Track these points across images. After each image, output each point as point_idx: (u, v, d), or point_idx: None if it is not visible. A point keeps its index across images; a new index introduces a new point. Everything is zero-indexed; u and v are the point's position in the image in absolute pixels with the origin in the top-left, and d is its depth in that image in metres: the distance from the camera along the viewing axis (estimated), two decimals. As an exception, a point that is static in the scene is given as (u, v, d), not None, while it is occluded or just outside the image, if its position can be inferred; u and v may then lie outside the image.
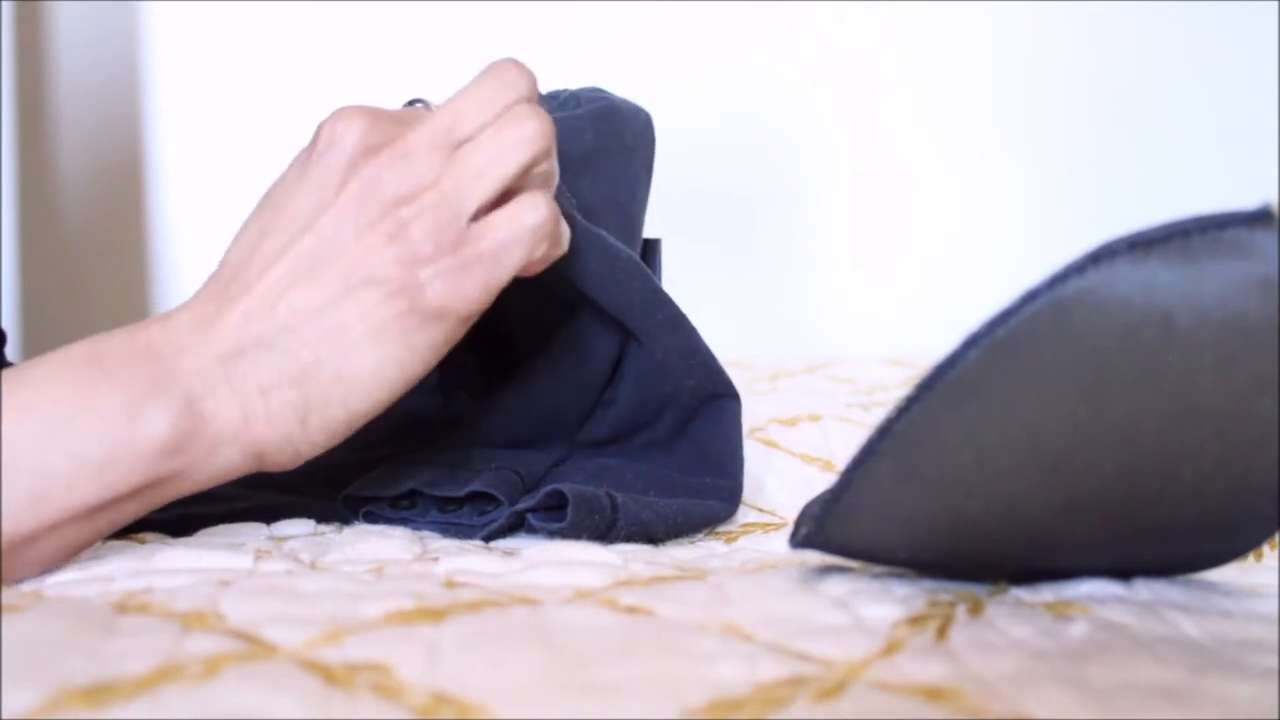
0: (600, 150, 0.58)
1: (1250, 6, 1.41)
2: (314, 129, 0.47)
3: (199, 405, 0.44)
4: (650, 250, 0.66)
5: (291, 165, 0.47)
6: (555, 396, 0.60)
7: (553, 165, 0.48)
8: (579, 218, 0.53)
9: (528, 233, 0.46)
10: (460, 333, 0.46)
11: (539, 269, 0.48)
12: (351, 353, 0.45)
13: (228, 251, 0.47)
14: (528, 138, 0.46)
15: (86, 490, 0.42)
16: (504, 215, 0.46)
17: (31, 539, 0.41)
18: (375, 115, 0.46)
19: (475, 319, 0.47)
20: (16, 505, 0.41)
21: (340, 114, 0.46)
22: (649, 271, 0.57)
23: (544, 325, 0.59)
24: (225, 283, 0.46)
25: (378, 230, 0.45)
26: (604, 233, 0.55)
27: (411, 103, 0.52)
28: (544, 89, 0.64)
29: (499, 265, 0.46)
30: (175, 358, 0.44)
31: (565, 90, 0.63)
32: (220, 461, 0.45)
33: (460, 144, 0.46)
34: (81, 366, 0.43)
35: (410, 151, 0.45)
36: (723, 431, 0.58)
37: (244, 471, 0.46)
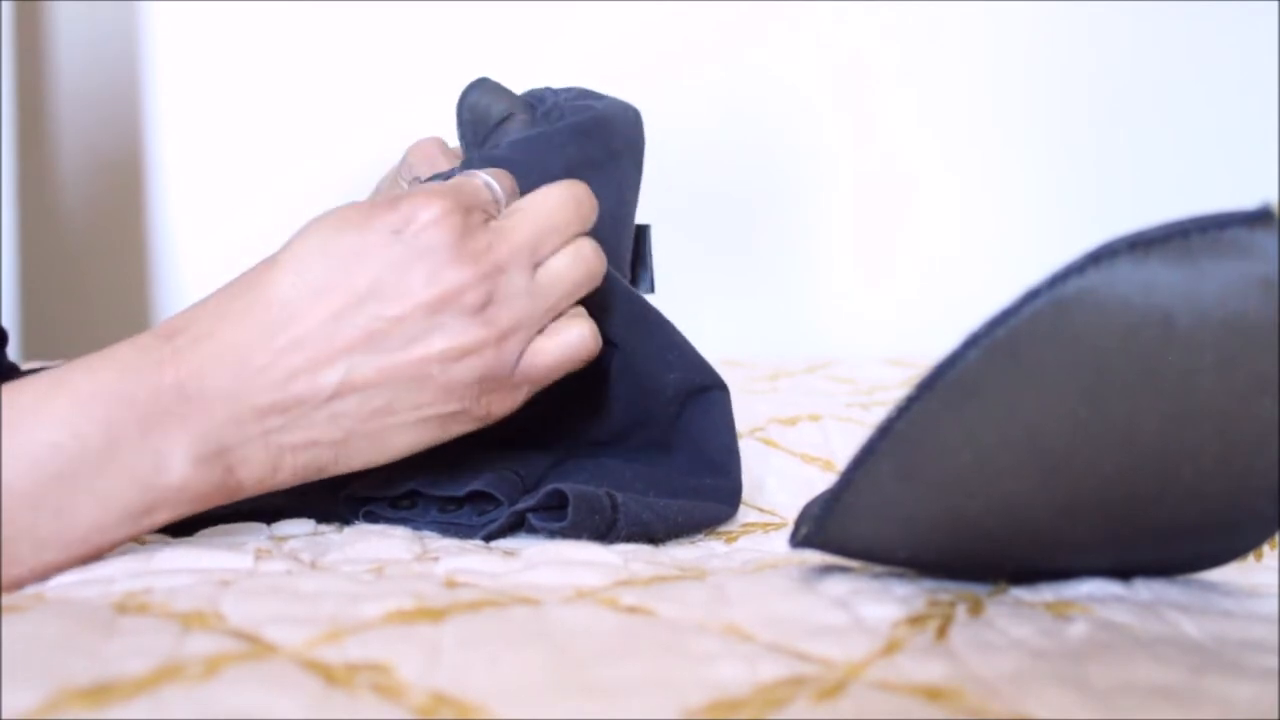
0: (583, 162, 0.58)
1: (1250, 6, 1.41)
2: (398, 196, 0.47)
3: (228, 456, 0.44)
4: (640, 236, 0.66)
5: (367, 221, 0.46)
6: (550, 399, 0.60)
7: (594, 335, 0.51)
8: None
9: (576, 361, 0.50)
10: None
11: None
12: (393, 433, 0.47)
13: (272, 280, 0.46)
14: (593, 273, 0.50)
15: (111, 535, 0.43)
16: (557, 343, 0.49)
17: (49, 571, 0.42)
18: (467, 209, 0.47)
19: None
20: (40, 544, 0.41)
21: (434, 196, 0.47)
22: (616, 274, 0.57)
23: None
24: (273, 326, 0.45)
25: (460, 340, 0.46)
26: None
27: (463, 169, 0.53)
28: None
29: (543, 377, 0.50)
30: (209, 404, 0.44)
31: (550, 91, 0.63)
32: (238, 502, 0.47)
33: (538, 265, 0.49)
34: (111, 406, 0.43)
35: (501, 270, 0.47)
36: (715, 425, 0.58)
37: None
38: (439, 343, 0.46)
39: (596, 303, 0.56)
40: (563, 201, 0.50)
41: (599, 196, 0.58)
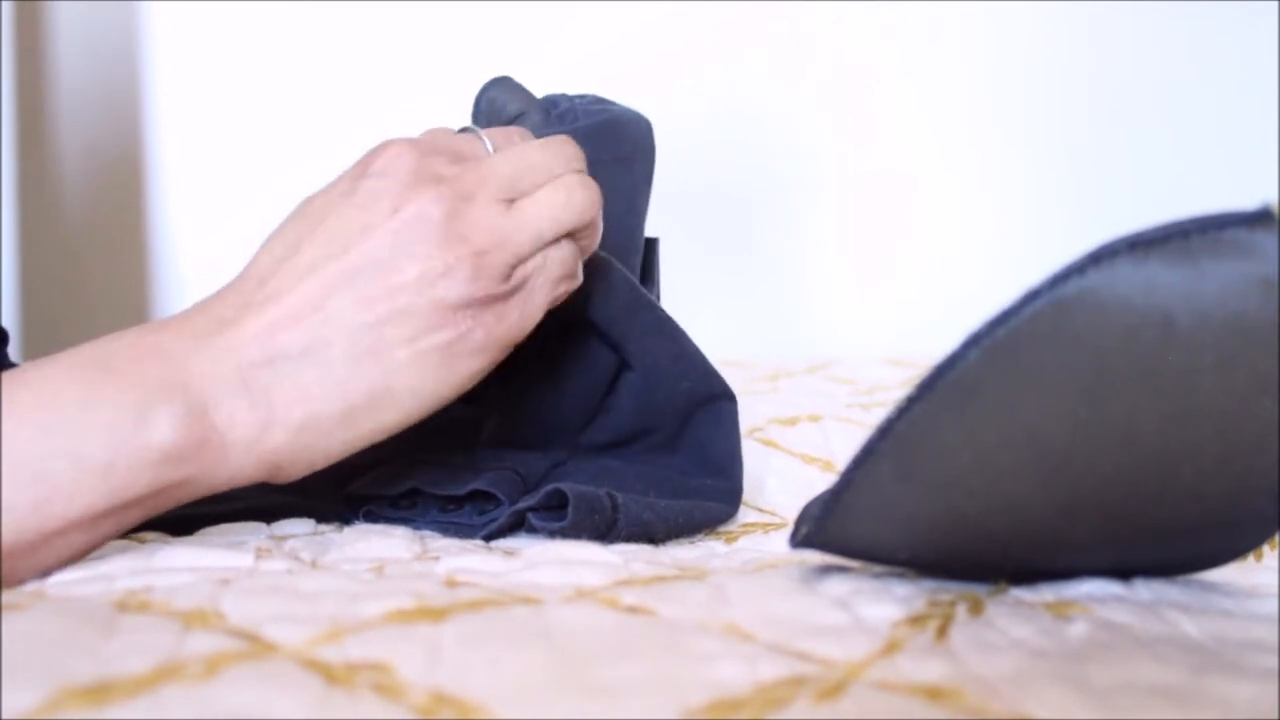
0: (594, 165, 0.59)
1: (1250, 6, 1.41)
2: (362, 154, 0.48)
3: (211, 413, 0.43)
4: (648, 249, 0.66)
5: (334, 184, 0.48)
6: (556, 403, 0.60)
7: (594, 235, 0.52)
8: None
9: (564, 270, 0.50)
10: (497, 361, 0.48)
11: (558, 302, 0.51)
12: (393, 372, 0.46)
13: (253, 260, 0.47)
14: (578, 204, 0.49)
15: (90, 496, 0.41)
16: (536, 261, 0.49)
17: (34, 545, 0.40)
18: (430, 147, 0.48)
19: (512, 348, 0.49)
20: (18, 511, 0.40)
21: (393, 142, 0.47)
22: (632, 279, 0.57)
23: (546, 338, 0.59)
24: (250, 290, 0.45)
25: (432, 262, 0.45)
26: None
27: (462, 130, 0.53)
28: (542, 91, 0.64)
29: (535, 304, 0.49)
30: (187, 361, 0.43)
31: (565, 97, 0.63)
32: (231, 469, 0.44)
33: (515, 198, 0.48)
34: (88, 368, 0.42)
35: (471, 195, 0.47)
36: (721, 433, 0.59)
37: (256, 480, 0.46)
38: (411, 268, 0.45)
39: (612, 310, 0.56)
40: (545, 144, 0.50)
41: (611, 199, 0.58)
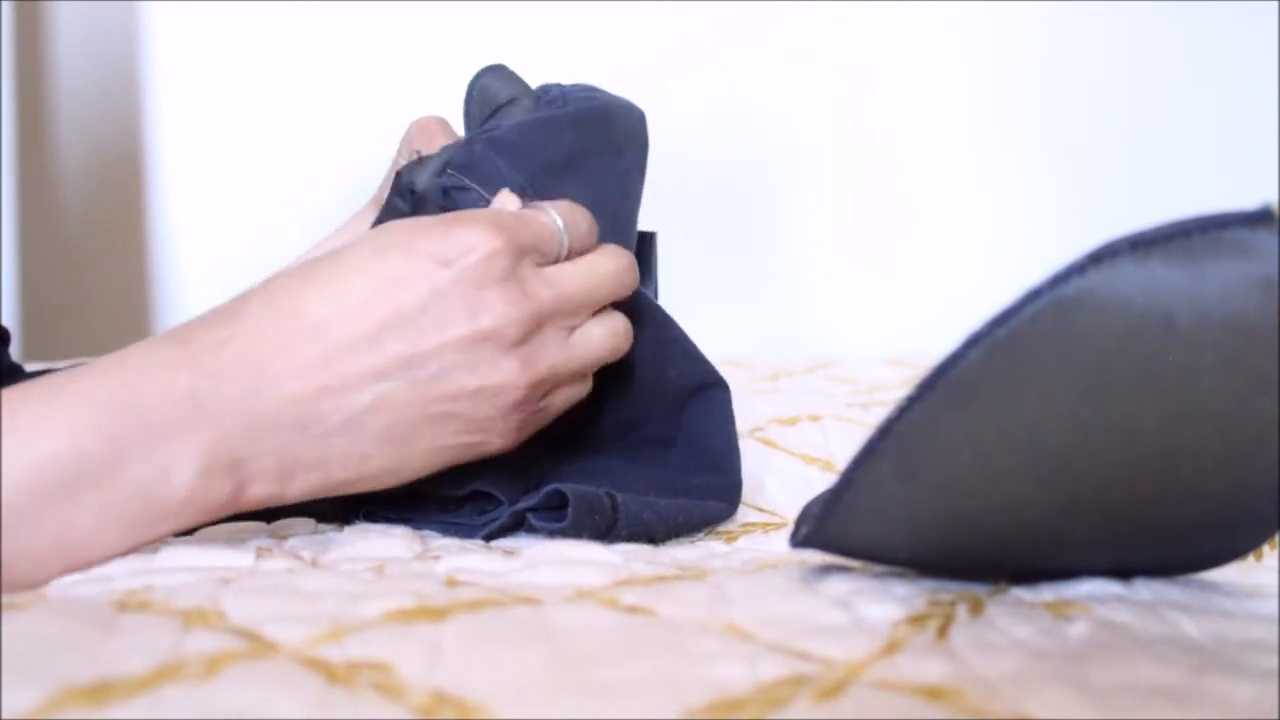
0: (583, 151, 0.59)
1: (1250, 6, 1.41)
2: (453, 229, 0.46)
3: (239, 470, 0.43)
4: (645, 243, 0.66)
5: (413, 250, 0.45)
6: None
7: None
8: None
9: (577, 398, 0.52)
10: None
11: None
12: (412, 458, 0.47)
13: (307, 300, 0.44)
14: (620, 351, 0.52)
15: (110, 549, 0.41)
16: (568, 392, 0.51)
17: (51, 577, 0.41)
18: (520, 246, 0.47)
19: None
20: (36, 563, 0.40)
21: (486, 228, 0.46)
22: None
23: None
24: (301, 340, 0.44)
25: (491, 381, 0.46)
26: None
27: (529, 204, 0.53)
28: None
29: (542, 421, 0.51)
30: (223, 414, 0.42)
31: (556, 86, 0.63)
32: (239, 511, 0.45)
33: (576, 325, 0.50)
34: (116, 414, 0.41)
35: (545, 319, 0.48)
36: (716, 423, 0.58)
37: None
38: (472, 380, 0.46)
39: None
40: (616, 273, 0.51)
41: (602, 187, 0.58)
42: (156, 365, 0.42)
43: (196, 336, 0.44)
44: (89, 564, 0.41)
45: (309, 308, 0.44)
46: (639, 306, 0.56)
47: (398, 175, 0.58)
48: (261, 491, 0.44)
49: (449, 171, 0.56)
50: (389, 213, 0.58)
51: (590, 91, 0.63)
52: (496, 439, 0.48)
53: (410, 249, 0.46)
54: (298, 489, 0.45)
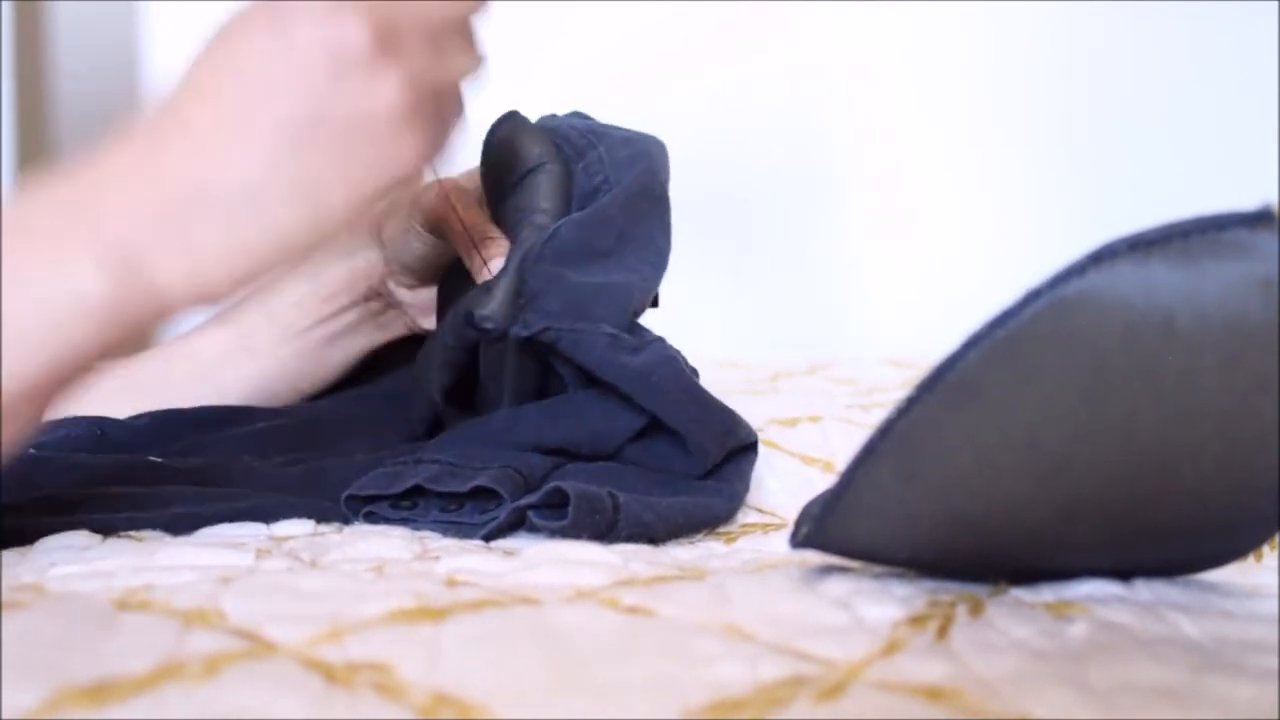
0: (635, 219, 0.61)
1: (1250, 6, 1.41)
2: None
3: (140, 260, 0.41)
4: None
5: (255, 20, 0.44)
6: (567, 429, 0.60)
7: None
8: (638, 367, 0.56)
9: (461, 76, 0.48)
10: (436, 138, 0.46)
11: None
12: (323, 190, 0.43)
13: (171, 93, 0.44)
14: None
15: (33, 368, 0.40)
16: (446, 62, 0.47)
17: None
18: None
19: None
20: None
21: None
22: (695, 375, 0.58)
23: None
24: (164, 124, 0.43)
25: (360, 84, 0.43)
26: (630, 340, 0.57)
27: None
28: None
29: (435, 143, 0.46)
30: (109, 212, 0.41)
31: (584, 135, 0.63)
32: (167, 311, 0.43)
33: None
34: (10, 236, 0.40)
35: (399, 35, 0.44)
36: (736, 465, 0.59)
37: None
38: (341, 99, 0.43)
39: (667, 400, 0.57)
40: None
41: (646, 244, 0.60)
42: (41, 190, 0.42)
43: (79, 158, 0.43)
44: (16, 392, 0.40)
45: (174, 100, 0.44)
46: (701, 410, 0.57)
47: (468, 315, 0.56)
48: (174, 280, 0.41)
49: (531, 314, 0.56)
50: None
51: (625, 145, 0.63)
52: (405, 151, 0.44)
53: (246, 20, 0.45)
54: (216, 269, 0.42)
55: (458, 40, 0.48)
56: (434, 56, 0.46)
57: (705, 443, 0.58)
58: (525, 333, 0.55)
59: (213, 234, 0.42)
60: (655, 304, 0.66)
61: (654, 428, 0.59)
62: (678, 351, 0.59)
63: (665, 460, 0.59)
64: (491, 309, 0.56)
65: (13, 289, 0.39)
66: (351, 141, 0.43)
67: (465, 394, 0.63)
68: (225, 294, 0.43)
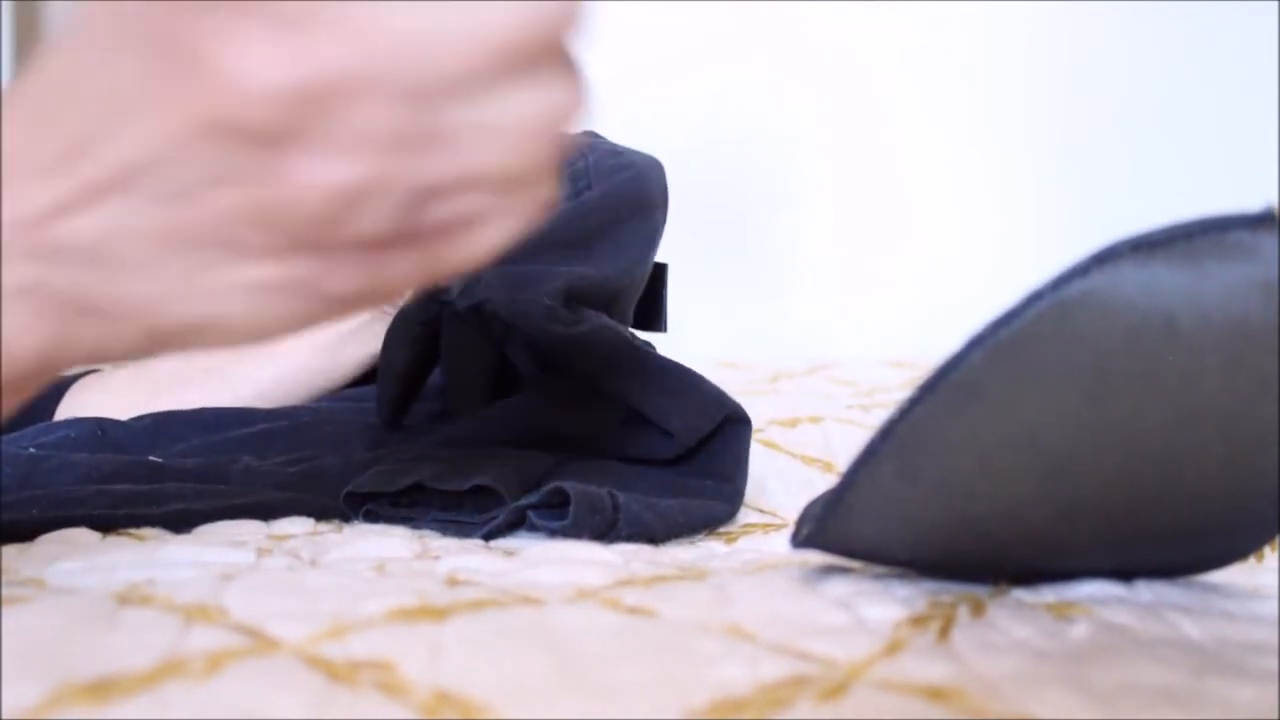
0: (616, 220, 0.62)
1: (1250, 6, 1.41)
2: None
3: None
4: (658, 275, 0.67)
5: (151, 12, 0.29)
6: (562, 420, 0.61)
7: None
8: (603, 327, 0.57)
9: (505, 233, 0.32)
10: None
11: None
12: (217, 305, 0.32)
13: (36, 86, 0.31)
14: (573, 88, 0.30)
15: None
16: (480, 200, 0.31)
17: None
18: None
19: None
20: None
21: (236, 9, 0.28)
22: (649, 353, 0.59)
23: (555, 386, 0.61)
24: (22, 143, 0.31)
25: (259, 197, 0.29)
26: (608, 326, 0.58)
27: None
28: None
29: (443, 262, 0.32)
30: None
31: (581, 161, 0.64)
32: (15, 379, 0.33)
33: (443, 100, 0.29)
34: None
35: (334, 81, 0.28)
36: (731, 450, 0.59)
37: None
38: (233, 194, 0.29)
39: (637, 382, 0.57)
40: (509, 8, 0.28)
41: (625, 247, 0.60)
42: None
43: None
44: None
45: (42, 93, 0.31)
46: (676, 382, 0.57)
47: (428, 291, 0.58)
48: (27, 344, 0.32)
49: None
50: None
51: (613, 155, 0.64)
52: (348, 273, 0.31)
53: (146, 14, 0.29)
54: (72, 351, 0.33)
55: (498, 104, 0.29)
56: (419, 143, 0.29)
57: (666, 408, 0.58)
58: (466, 302, 0.57)
59: (68, 298, 0.32)
60: (663, 328, 0.67)
61: (632, 419, 0.60)
62: (625, 329, 0.60)
63: (649, 447, 0.60)
64: (452, 285, 0.58)
65: None
66: (239, 233, 0.30)
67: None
68: (74, 365, 0.34)
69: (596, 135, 0.68)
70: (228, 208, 0.30)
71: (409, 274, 0.32)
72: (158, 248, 0.31)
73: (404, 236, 0.31)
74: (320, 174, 0.29)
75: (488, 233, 0.31)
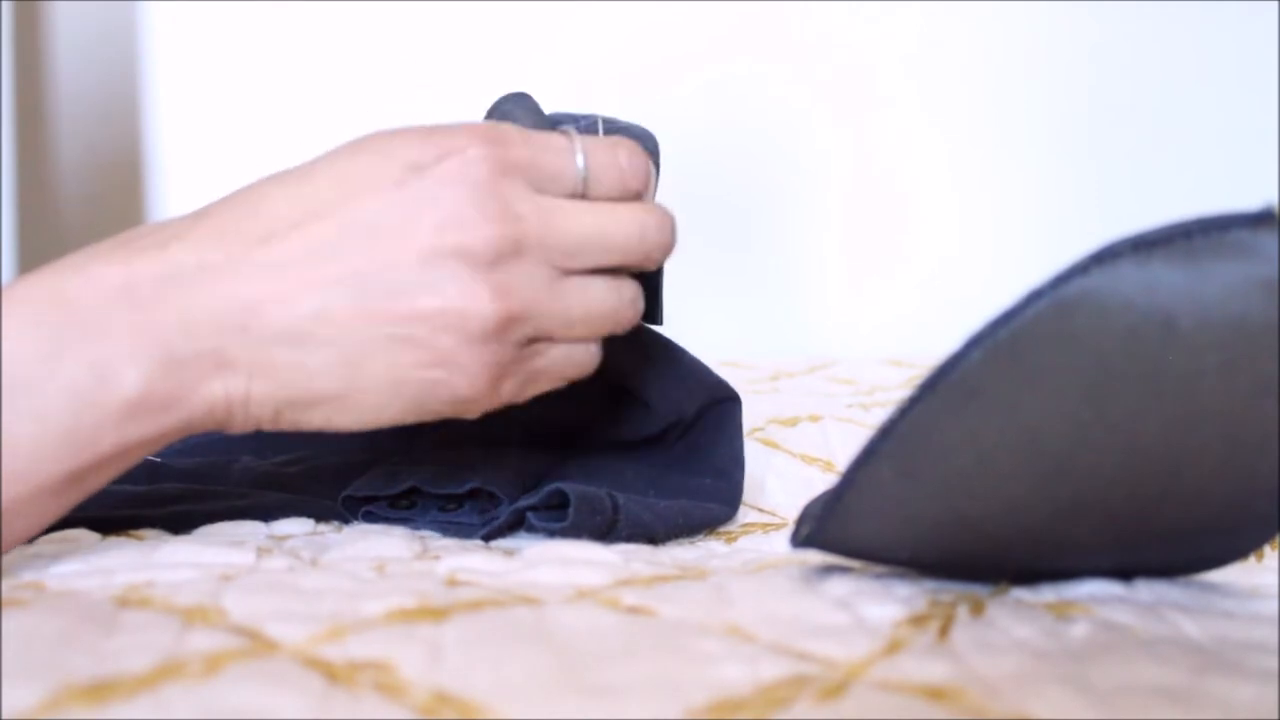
0: None
1: (1250, 6, 1.41)
2: (435, 128, 0.42)
3: (181, 372, 0.39)
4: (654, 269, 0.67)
5: (388, 153, 0.41)
6: (553, 404, 0.60)
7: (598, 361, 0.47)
8: None
9: (573, 372, 0.46)
10: (467, 415, 0.45)
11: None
12: (359, 391, 0.41)
13: (261, 194, 0.41)
14: (624, 319, 0.45)
15: (56, 459, 0.38)
16: (567, 354, 0.45)
17: (5, 515, 0.38)
18: (512, 161, 0.42)
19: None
20: None
21: (473, 135, 0.41)
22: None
23: None
24: (252, 240, 0.40)
25: (451, 303, 0.40)
26: None
27: (559, 126, 0.48)
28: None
29: (535, 385, 0.45)
30: (158, 309, 0.39)
31: (570, 116, 0.63)
32: (192, 426, 0.41)
33: (572, 271, 0.43)
34: (45, 312, 0.38)
35: (526, 248, 0.42)
36: (725, 436, 0.59)
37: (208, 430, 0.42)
38: (431, 300, 0.40)
39: (612, 345, 0.57)
40: (632, 221, 0.44)
41: None
42: (93, 263, 0.39)
43: (145, 235, 0.41)
44: (39, 485, 0.38)
45: (268, 207, 0.41)
46: (654, 353, 0.57)
47: None
48: (208, 401, 0.40)
49: None
50: None
51: (608, 123, 0.63)
52: (464, 381, 0.42)
53: (385, 152, 0.41)
54: (243, 399, 0.41)
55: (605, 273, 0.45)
56: (553, 291, 0.43)
57: (648, 378, 0.57)
58: None
59: (249, 359, 0.40)
60: (659, 320, 0.66)
61: (616, 399, 0.60)
62: None
63: (632, 427, 0.59)
64: None
65: (45, 372, 0.37)
66: (412, 330, 0.41)
67: None
68: (236, 425, 0.42)
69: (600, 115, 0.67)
70: (422, 310, 0.40)
71: (506, 394, 0.44)
72: (349, 338, 0.40)
73: (516, 363, 0.43)
74: (501, 294, 0.41)
75: (554, 377, 0.45)
